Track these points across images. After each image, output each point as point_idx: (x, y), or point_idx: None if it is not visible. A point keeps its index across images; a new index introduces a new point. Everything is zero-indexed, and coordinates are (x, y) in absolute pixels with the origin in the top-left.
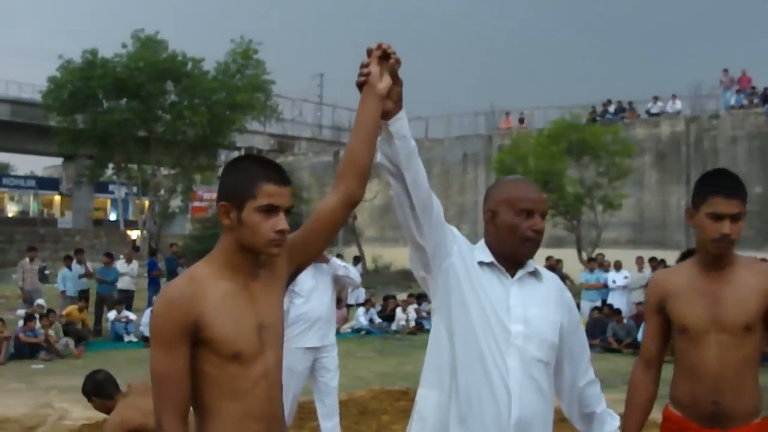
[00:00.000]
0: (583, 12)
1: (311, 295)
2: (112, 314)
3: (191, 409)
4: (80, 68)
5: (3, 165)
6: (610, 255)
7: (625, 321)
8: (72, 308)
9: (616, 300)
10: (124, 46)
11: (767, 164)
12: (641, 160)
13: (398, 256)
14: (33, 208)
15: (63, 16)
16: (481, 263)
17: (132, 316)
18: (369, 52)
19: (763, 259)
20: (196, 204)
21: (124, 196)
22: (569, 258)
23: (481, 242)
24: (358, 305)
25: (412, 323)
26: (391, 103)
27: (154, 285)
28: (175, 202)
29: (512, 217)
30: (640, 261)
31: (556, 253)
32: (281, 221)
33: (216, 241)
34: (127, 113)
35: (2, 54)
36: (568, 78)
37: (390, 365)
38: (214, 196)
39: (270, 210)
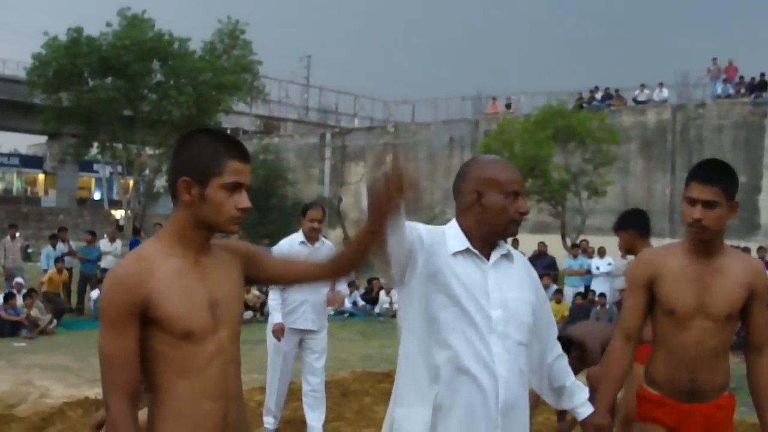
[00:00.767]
0: None
1: None
2: (95, 293)
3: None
4: (65, 46)
5: None
6: (595, 241)
7: (607, 307)
8: (51, 272)
9: (599, 286)
10: (109, 24)
11: (752, 154)
12: (627, 148)
13: None
14: (16, 186)
15: None
16: (455, 254)
17: None
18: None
19: (745, 248)
20: None
21: (109, 176)
22: (553, 244)
23: (452, 225)
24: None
25: (396, 306)
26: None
27: None
28: (160, 182)
29: (501, 199)
30: None
31: (541, 239)
32: (244, 199)
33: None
34: (113, 92)
35: None
36: (556, 64)
37: (372, 347)
38: None
39: (235, 187)
